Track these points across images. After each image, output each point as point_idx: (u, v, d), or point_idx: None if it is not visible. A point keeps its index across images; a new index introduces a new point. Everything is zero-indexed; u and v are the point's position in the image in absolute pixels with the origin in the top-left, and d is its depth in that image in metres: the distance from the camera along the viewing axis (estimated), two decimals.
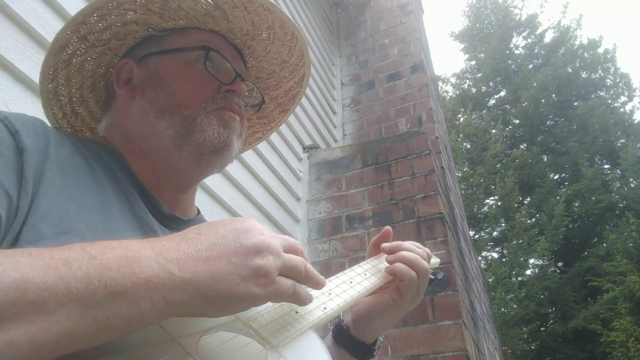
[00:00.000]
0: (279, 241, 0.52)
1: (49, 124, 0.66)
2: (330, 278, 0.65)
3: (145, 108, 0.73)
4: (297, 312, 0.58)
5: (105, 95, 0.80)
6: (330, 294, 0.65)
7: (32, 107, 1.31)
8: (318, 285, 0.56)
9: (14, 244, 0.49)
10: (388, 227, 0.86)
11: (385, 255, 0.81)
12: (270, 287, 0.48)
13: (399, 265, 0.77)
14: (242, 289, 0.46)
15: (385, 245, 0.83)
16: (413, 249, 0.81)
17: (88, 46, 0.73)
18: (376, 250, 0.85)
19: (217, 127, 0.72)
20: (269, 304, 0.56)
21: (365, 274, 0.75)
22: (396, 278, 0.79)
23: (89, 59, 0.74)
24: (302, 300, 0.54)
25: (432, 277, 0.86)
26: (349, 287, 0.67)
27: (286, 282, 0.50)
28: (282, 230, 2.59)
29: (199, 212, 0.84)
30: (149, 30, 0.74)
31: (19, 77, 1.30)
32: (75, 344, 0.38)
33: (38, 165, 0.56)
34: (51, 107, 0.77)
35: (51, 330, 0.36)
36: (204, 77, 0.73)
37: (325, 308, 0.62)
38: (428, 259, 0.83)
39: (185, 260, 0.44)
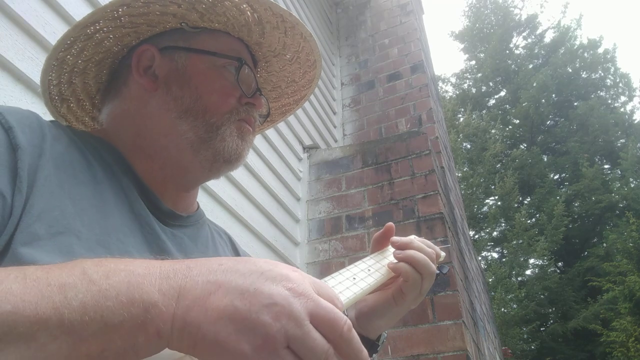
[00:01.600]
0: (309, 306, 0.39)
1: (43, 119, 0.64)
2: (334, 275, 0.65)
3: (168, 105, 0.71)
4: None
5: (108, 74, 0.77)
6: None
7: (32, 107, 1.30)
8: None
9: (8, 245, 0.48)
10: (391, 223, 0.84)
11: (394, 250, 0.79)
12: (268, 356, 0.37)
13: (404, 266, 0.75)
14: (231, 342, 0.37)
15: (395, 239, 0.79)
16: (422, 248, 0.78)
17: (117, 26, 0.71)
18: (379, 246, 0.84)
19: (236, 139, 0.72)
20: None
21: (369, 270, 0.74)
22: (397, 277, 0.78)
23: (110, 36, 0.72)
24: None
25: (438, 271, 0.85)
26: (352, 283, 0.67)
27: None
28: (282, 230, 2.60)
29: (198, 206, 0.83)
30: (182, 24, 0.73)
31: (19, 77, 1.30)
32: None
33: (33, 163, 0.54)
34: (50, 73, 0.74)
35: None
36: (231, 86, 0.73)
37: None
38: (437, 259, 0.81)
39: (188, 289, 0.39)
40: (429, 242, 0.83)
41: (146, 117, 0.72)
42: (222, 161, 0.72)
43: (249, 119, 0.75)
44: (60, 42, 0.69)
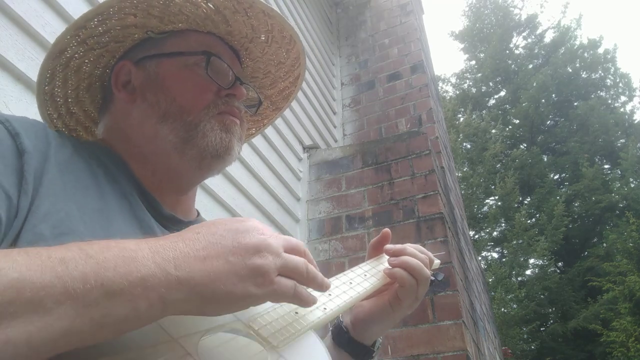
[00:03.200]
0: (279, 241, 0.51)
1: (48, 128, 0.66)
2: (330, 279, 0.65)
3: (147, 112, 0.72)
4: (297, 313, 0.58)
5: (101, 96, 0.79)
6: (330, 294, 0.65)
7: (32, 107, 1.31)
8: (322, 287, 0.55)
9: (14, 244, 0.49)
10: (387, 229, 0.86)
11: (388, 257, 0.81)
12: (269, 287, 0.48)
13: (399, 271, 0.77)
14: (239, 289, 0.46)
15: (388, 247, 0.82)
16: (416, 254, 0.80)
17: (86, 49, 0.72)
18: (376, 252, 0.85)
19: (219, 132, 0.72)
20: (269, 304, 0.56)
21: (365, 275, 0.75)
22: (392, 282, 0.79)
23: (86, 61, 0.74)
24: (304, 301, 0.53)
25: (433, 278, 0.86)
26: (349, 287, 0.67)
27: (286, 283, 0.50)
28: (282, 230, 2.59)
29: (198, 214, 0.84)
30: (148, 33, 0.74)
31: (19, 77, 1.30)
32: (72, 343, 0.38)
33: (38, 167, 0.56)
34: (47, 108, 0.77)
35: (48, 329, 0.37)
36: (205, 82, 0.73)
37: (325, 309, 0.62)
38: (430, 264, 0.83)
39: (182, 259, 0.44)
40: (422, 248, 0.84)
41: (131, 128, 0.74)
42: (210, 157, 0.72)
43: (231, 110, 0.75)
44: (41, 76, 0.72)
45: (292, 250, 0.52)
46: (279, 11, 0.79)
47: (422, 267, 0.78)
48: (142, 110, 0.73)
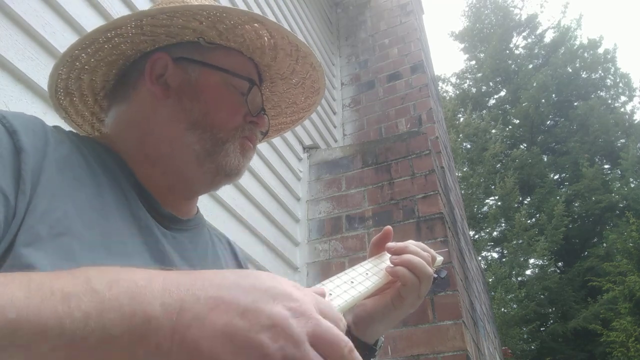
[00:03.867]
0: (309, 325, 0.39)
1: (46, 123, 0.65)
2: (331, 278, 0.65)
3: (179, 116, 0.72)
4: None
5: (117, 76, 0.78)
6: (331, 294, 0.65)
7: (32, 107, 1.31)
8: None
9: (11, 246, 0.49)
10: (389, 227, 0.85)
11: (390, 255, 0.80)
12: None
13: (402, 269, 0.76)
14: None
15: (390, 245, 0.81)
16: (418, 252, 0.79)
17: (137, 33, 0.72)
18: (377, 250, 0.84)
19: (239, 155, 0.75)
20: None
21: (367, 274, 0.74)
22: (398, 279, 0.78)
23: (128, 41, 0.73)
24: None
25: (436, 275, 0.85)
26: (350, 287, 0.67)
27: None
28: (282, 230, 2.59)
29: (198, 210, 0.84)
30: (199, 39, 0.74)
31: (19, 77, 1.30)
32: None
33: (36, 165, 0.55)
34: (62, 68, 0.74)
35: None
36: (239, 105, 0.75)
37: None
38: (432, 262, 0.82)
39: (190, 303, 0.38)
40: (424, 245, 0.84)
41: (154, 124, 0.73)
42: (224, 175, 0.75)
43: (252, 136, 0.78)
44: (80, 41, 0.71)
45: (323, 344, 0.38)
46: (319, 60, 0.82)
47: (425, 265, 0.77)
48: (172, 112, 0.73)
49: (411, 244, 0.81)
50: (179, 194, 0.76)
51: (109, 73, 0.77)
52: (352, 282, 0.68)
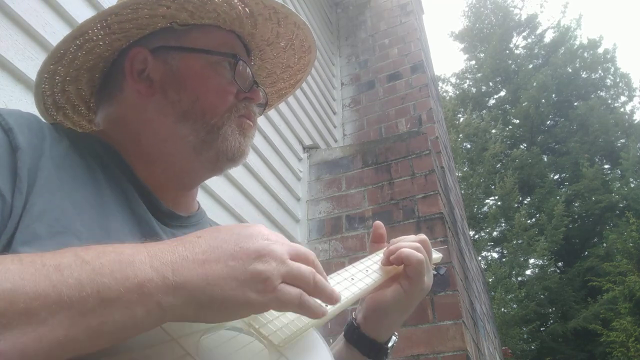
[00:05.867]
0: (285, 247, 0.49)
1: (43, 119, 0.65)
2: (332, 275, 0.64)
3: (166, 110, 0.70)
4: None
5: (101, 78, 0.76)
6: None
7: (32, 108, 1.30)
8: (331, 300, 0.52)
9: (8, 245, 0.48)
10: (377, 222, 0.86)
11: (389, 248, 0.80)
12: (271, 294, 0.45)
13: (404, 250, 0.76)
14: (238, 294, 0.44)
15: (393, 240, 0.82)
16: (413, 239, 0.81)
17: (107, 33, 0.70)
18: (376, 247, 0.84)
19: (238, 137, 0.72)
20: None
21: (367, 271, 0.74)
22: (397, 275, 0.78)
23: (100, 43, 0.71)
24: (312, 311, 0.49)
25: (435, 272, 0.85)
26: (350, 284, 0.67)
27: (290, 290, 0.47)
28: (282, 230, 2.59)
29: (199, 207, 0.83)
30: (172, 24, 0.72)
31: (19, 77, 1.30)
32: (68, 352, 0.38)
33: (33, 163, 0.54)
34: (43, 85, 0.73)
35: (43, 340, 0.36)
36: (228, 83, 0.72)
37: (326, 305, 0.62)
38: (430, 258, 0.82)
39: (180, 263, 0.43)
40: (424, 237, 0.84)
41: (145, 124, 0.71)
42: (226, 160, 0.73)
43: (249, 114, 0.75)
44: (51, 55, 0.69)
45: (299, 257, 0.50)
46: (303, 19, 0.80)
47: (421, 247, 0.78)
48: (159, 107, 0.70)
49: (406, 237, 0.81)
50: (179, 186, 0.75)
51: (93, 78, 0.76)
52: (352, 278, 0.68)
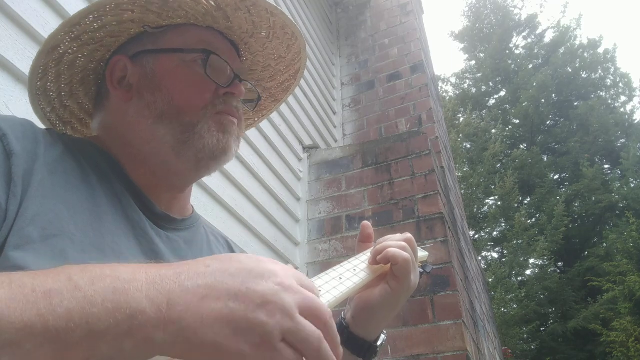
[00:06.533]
0: (296, 298, 0.42)
1: (39, 125, 0.65)
2: (320, 275, 0.65)
3: (144, 113, 0.70)
4: None
5: (96, 90, 0.77)
6: (320, 290, 0.65)
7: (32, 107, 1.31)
8: None
9: (1, 249, 0.49)
10: (365, 222, 0.85)
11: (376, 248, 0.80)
12: (266, 352, 0.39)
13: (391, 250, 0.76)
14: (230, 344, 0.38)
15: (380, 240, 0.81)
16: (399, 238, 0.80)
17: (81, 45, 0.70)
18: (364, 247, 0.85)
19: (216, 134, 0.70)
20: None
21: (355, 270, 0.75)
22: (386, 273, 0.78)
23: (80, 56, 0.72)
24: None
25: (422, 270, 0.86)
26: (338, 283, 0.67)
27: (289, 355, 0.40)
28: (282, 230, 2.59)
29: (193, 210, 0.83)
30: (144, 28, 0.72)
31: (19, 77, 1.30)
32: None
33: (27, 168, 0.55)
34: (39, 103, 0.74)
35: None
36: (203, 80, 0.71)
37: None
38: (415, 256, 0.81)
39: (179, 294, 0.39)
40: (409, 236, 0.83)
41: (127, 127, 0.72)
42: (207, 159, 0.71)
43: (229, 109, 0.73)
44: (33, 72, 0.70)
45: (310, 314, 0.42)
46: (281, 9, 0.78)
47: (407, 246, 0.78)
48: (138, 110, 0.71)
49: (392, 237, 0.81)
50: (171, 188, 0.75)
51: (89, 92, 0.77)
52: (340, 278, 0.69)
